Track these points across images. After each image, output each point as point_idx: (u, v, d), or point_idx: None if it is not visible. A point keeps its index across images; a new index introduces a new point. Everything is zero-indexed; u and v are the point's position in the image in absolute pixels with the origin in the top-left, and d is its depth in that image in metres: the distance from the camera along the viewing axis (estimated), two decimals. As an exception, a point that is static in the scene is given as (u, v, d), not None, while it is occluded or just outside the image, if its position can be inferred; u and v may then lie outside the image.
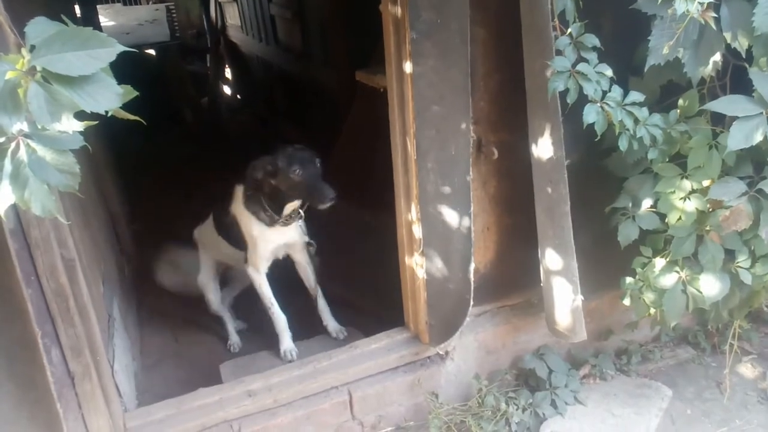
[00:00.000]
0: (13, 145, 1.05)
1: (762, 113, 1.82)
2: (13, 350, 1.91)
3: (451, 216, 2.32)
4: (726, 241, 2.14)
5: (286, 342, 2.76)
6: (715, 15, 1.82)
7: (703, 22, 1.81)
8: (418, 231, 2.39)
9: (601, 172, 2.38)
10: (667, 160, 2.17)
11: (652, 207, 2.25)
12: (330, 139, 4.24)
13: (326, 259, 3.07)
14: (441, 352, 2.61)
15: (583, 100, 1.97)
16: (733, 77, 2.10)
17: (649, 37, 1.93)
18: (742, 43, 1.89)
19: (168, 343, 3.23)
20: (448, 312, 2.47)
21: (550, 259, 2.31)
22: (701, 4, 1.74)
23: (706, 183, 2.10)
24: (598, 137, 2.01)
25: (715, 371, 2.82)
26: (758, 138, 1.81)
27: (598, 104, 1.97)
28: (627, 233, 2.29)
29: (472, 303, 2.41)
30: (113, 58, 1.04)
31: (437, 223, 2.34)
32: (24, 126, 1.02)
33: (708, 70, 1.98)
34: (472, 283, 2.38)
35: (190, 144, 6.70)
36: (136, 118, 1.22)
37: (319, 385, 2.46)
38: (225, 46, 8.01)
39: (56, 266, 1.86)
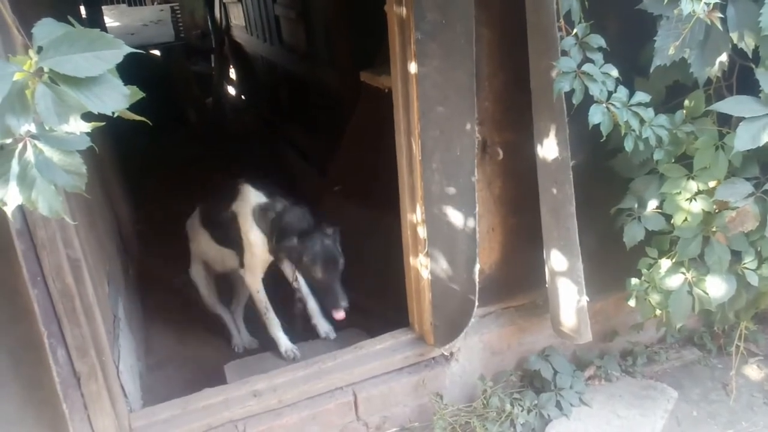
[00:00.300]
0: (20, 146, 1.05)
1: (769, 114, 1.82)
2: (20, 350, 1.92)
3: (455, 217, 2.31)
4: (732, 242, 2.14)
5: (284, 343, 2.77)
6: (722, 15, 1.81)
7: (709, 22, 1.80)
8: (422, 232, 2.38)
9: (606, 172, 2.37)
10: (673, 160, 2.17)
11: (657, 208, 2.25)
12: (334, 140, 4.24)
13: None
14: (446, 353, 2.61)
15: (588, 100, 1.96)
16: (740, 78, 2.09)
17: (654, 38, 1.92)
18: (748, 44, 1.88)
19: (172, 343, 3.24)
20: (453, 313, 2.46)
21: (556, 260, 2.30)
22: (707, 4, 1.73)
23: (712, 184, 2.10)
24: (604, 138, 2.01)
25: (721, 373, 2.81)
26: (765, 139, 1.80)
27: (604, 105, 1.97)
28: (633, 234, 2.28)
29: (476, 304, 2.41)
30: (120, 59, 1.04)
31: (442, 224, 2.33)
32: (32, 127, 1.03)
33: (714, 70, 1.97)
34: (476, 284, 2.38)
35: (195, 144, 6.71)
36: (142, 118, 1.22)
37: (324, 386, 2.46)
38: (229, 47, 8.03)
39: (62, 266, 1.86)
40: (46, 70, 1.01)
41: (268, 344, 2.92)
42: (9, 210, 1.08)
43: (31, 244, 1.80)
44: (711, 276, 2.18)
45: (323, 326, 2.91)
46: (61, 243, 1.85)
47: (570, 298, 2.31)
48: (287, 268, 2.85)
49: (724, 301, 2.20)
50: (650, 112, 2.04)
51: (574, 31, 1.96)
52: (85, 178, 1.12)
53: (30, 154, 1.06)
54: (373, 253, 3.01)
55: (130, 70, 1.12)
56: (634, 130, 2.03)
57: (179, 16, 9.11)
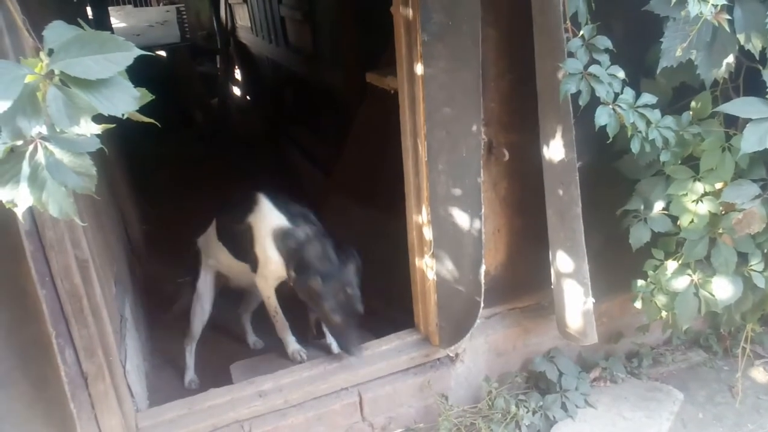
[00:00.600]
0: (31, 147, 1.06)
1: (776, 116, 1.81)
2: (28, 350, 1.93)
3: (461, 218, 2.32)
4: (739, 244, 2.13)
5: (292, 344, 2.73)
6: (729, 17, 1.81)
7: (716, 23, 1.80)
8: (428, 233, 2.39)
9: (612, 174, 2.37)
10: (680, 162, 2.17)
11: (664, 209, 2.24)
12: (339, 141, 4.25)
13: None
14: (451, 354, 2.61)
15: (594, 102, 1.96)
16: (747, 79, 2.09)
17: (661, 39, 1.92)
18: (755, 45, 1.88)
19: (179, 343, 3.24)
20: (459, 314, 2.47)
21: (561, 261, 2.30)
22: (714, 6, 1.73)
23: (718, 185, 2.09)
24: (610, 139, 2.01)
25: (727, 375, 2.80)
26: (772, 141, 1.80)
27: (610, 106, 1.97)
28: (639, 236, 2.28)
29: (482, 305, 2.41)
30: (130, 61, 1.05)
31: (448, 225, 2.34)
32: (42, 129, 1.04)
33: (721, 71, 1.97)
34: (482, 285, 2.38)
35: (201, 145, 6.74)
36: (151, 120, 1.23)
37: (330, 387, 2.46)
38: (235, 48, 8.05)
39: (70, 267, 1.87)
40: (57, 72, 1.02)
41: (273, 344, 2.93)
42: (20, 211, 1.09)
43: (40, 245, 1.81)
44: (717, 278, 2.17)
45: (336, 344, 2.68)
46: (70, 244, 1.86)
47: (576, 299, 2.31)
48: None
49: (730, 303, 2.20)
50: (657, 113, 2.04)
51: (581, 32, 1.96)
52: (95, 180, 1.13)
53: (41, 156, 1.07)
54: (378, 254, 3.01)
55: (136, 70, 1.13)
56: (640, 132, 2.02)
57: (185, 17, 9.15)
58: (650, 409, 2.57)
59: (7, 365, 1.92)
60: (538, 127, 2.22)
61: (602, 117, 1.96)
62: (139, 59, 1.09)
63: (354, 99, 4.21)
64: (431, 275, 2.45)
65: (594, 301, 2.30)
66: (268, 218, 2.56)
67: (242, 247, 2.66)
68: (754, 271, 2.15)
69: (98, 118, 1.06)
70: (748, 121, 1.84)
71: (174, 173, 5.73)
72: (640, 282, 2.35)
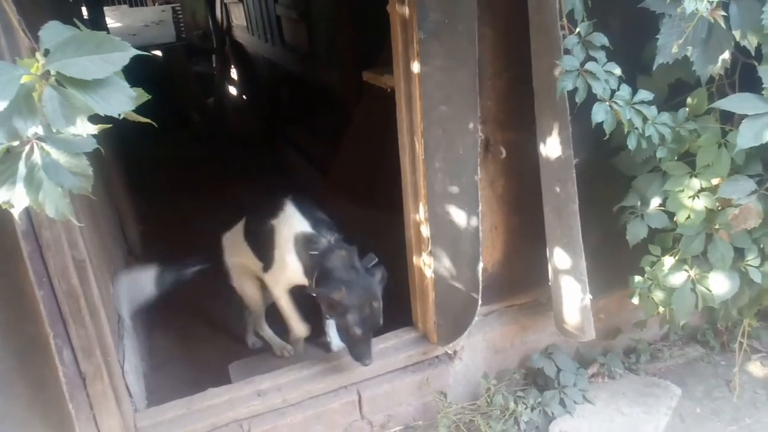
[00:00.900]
0: (27, 148, 1.06)
1: (772, 111, 1.82)
2: (26, 351, 1.92)
3: (459, 216, 2.32)
4: (735, 239, 2.14)
5: (300, 345, 2.74)
6: (724, 13, 1.81)
7: (712, 20, 1.81)
8: (426, 231, 2.39)
9: (609, 171, 2.38)
10: (676, 158, 2.17)
11: (660, 206, 2.25)
12: (336, 139, 4.24)
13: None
14: (449, 352, 2.62)
15: (591, 99, 1.97)
16: (742, 75, 2.10)
17: (657, 36, 1.93)
18: (751, 41, 1.88)
19: (176, 343, 3.25)
20: (457, 311, 2.47)
21: (559, 258, 2.30)
22: (710, 2, 1.73)
23: (715, 181, 2.10)
24: (607, 136, 2.01)
25: (724, 370, 2.82)
26: (768, 136, 1.80)
27: (607, 103, 1.97)
28: (635, 232, 2.28)
29: (480, 302, 2.41)
30: (127, 61, 1.05)
31: (445, 223, 2.34)
32: (38, 129, 1.03)
33: (717, 68, 1.97)
34: (480, 283, 2.38)
35: (197, 145, 6.73)
36: (148, 120, 1.23)
37: (328, 385, 2.46)
38: (231, 47, 8.03)
39: (67, 267, 1.87)
40: (53, 72, 1.02)
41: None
42: (16, 212, 1.09)
43: (37, 246, 1.81)
44: (714, 273, 2.18)
45: (336, 341, 2.70)
46: (66, 244, 1.86)
47: (573, 295, 2.32)
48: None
49: (727, 299, 2.20)
50: (653, 110, 2.05)
51: (577, 29, 1.96)
52: (92, 180, 1.13)
53: (37, 157, 1.06)
54: (375, 253, 3.02)
55: (131, 71, 1.13)
56: (637, 128, 2.03)
57: (180, 16, 9.12)
58: (648, 404, 2.58)
59: (5, 366, 1.92)
60: (535, 124, 2.22)
61: (599, 114, 1.96)
62: (134, 59, 1.09)
63: (351, 98, 4.21)
64: (429, 273, 2.45)
65: (591, 297, 2.30)
66: (291, 223, 2.51)
67: (263, 248, 2.63)
68: (751, 266, 2.16)
69: (94, 119, 1.06)
70: (744, 117, 1.84)
71: (170, 174, 5.72)
72: (637, 278, 2.36)
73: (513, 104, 2.33)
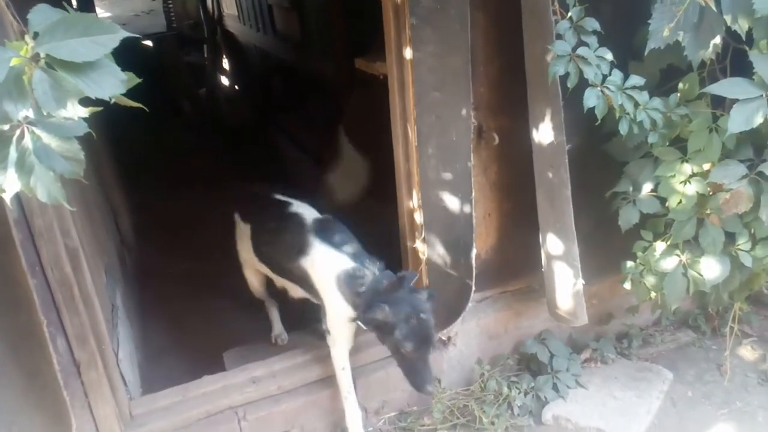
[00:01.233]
0: (18, 132, 1.05)
1: (762, 95, 1.83)
2: (19, 339, 1.92)
3: (452, 202, 2.32)
4: (726, 224, 2.15)
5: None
6: (716, -3, 1.82)
7: (703, 4, 1.81)
8: (419, 217, 2.40)
9: (601, 156, 2.38)
10: (668, 144, 2.18)
11: (652, 191, 2.26)
12: (329, 128, 4.23)
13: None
14: (443, 338, 2.63)
15: (583, 84, 1.97)
16: (733, 60, 2.10)
17: (649, 21, 1.93)
18: (742, 26, 1.88)
19: (170, 333, 3.25)
20: (451, 298, 2.48)
21: (552, 243, 2.32)
22: (702, -14, 1.74)
23: (706, 166, 2.11)
24: (599, 122, 2.02)
25: (715, 354, 2.84)
26: (758, 120, 1.81)
27: (599, 88, 1.98)
28: (628, 217, 2.30)
29: (474, 289, 2.42)
30: (117, 43, 1.04)
31: (439, 210, 2.35)
32: (29, 113, 1.03)
33: (708, 53, 1.98)
34: (474, 269, 2.39)
35: (190, 135, 6.70)
36: (139, 105, 1.22)
37: (322, 372, 2.47)
38: (222, 37, 7.97)
39: (60, 255, 1.86)
40: (42, 55, 1.01)
41: (266, 326, 2.94)
42: (7, 197, 1.09)
43: (29, 234, 1.80)
44: (705, 258, 2.20)
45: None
46: (59, 232, 1.85)
47: (566, 281, 2.33)
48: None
49: (718, 283, 2.22)
50: (645, 95, 2.05)
51: (569, 14, 1.96)
52: (83, 165, 1.12)
53: (28, 141, 1.06)
54: (370, 240, 3.03)
55: (122, 60, 1.12)
56: (628, 114, 2.03)
57: (171, 6, 9.02)
58: (640, 388, 2.61)
59: (-1, 355, 1.92)
60: (528, 110, 2.22)
61: (591, 99, 1.96)
62: (126, 49, 1.09)
63: (343, 86, 4.19)
64: (423, 260, 2.46)
65: (584, 282, 2.32)
66: (328, 264, 2.26)
67: (300, 284, 2.44)
68: (741, 250, 2.18)
69: (85, 102, 1.05)
70: (735, 101, 1.85)
71: (163, 164, 5.69)
72: (630, 263, 2.37)
73: (505, 90, 2.33)
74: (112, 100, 1.12)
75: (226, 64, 7.99)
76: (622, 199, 2.33)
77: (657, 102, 2.08)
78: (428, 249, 2.41)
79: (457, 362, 2.67)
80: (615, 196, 2.36)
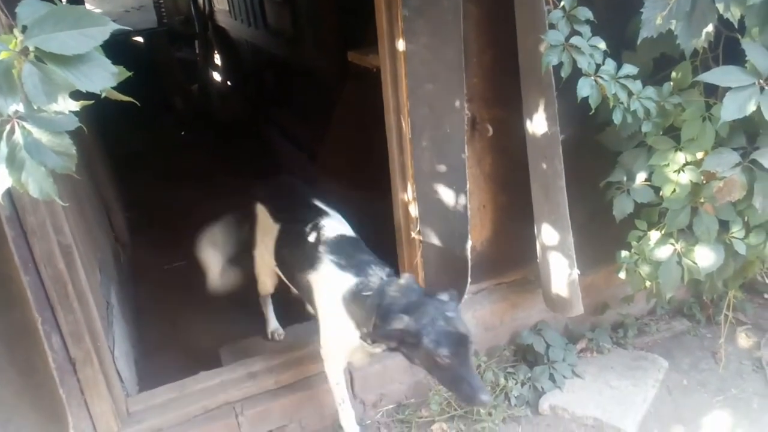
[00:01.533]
0: (8, 127, 1.04)
1: (755, 83, 1.83)
2: (14, 337, 1.91)
3: (447, 194, 2.32)
4: (720, 212, 2.16)
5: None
6: (708, -15, 1.81)
7: (695, -8, 1.81)
8: (414, 210, 2.39)
9: (595, 147, 2.38)
10: (661, 133, 2.18)
11: (646, 180, 2.27)
12: (322, 122, 4.22)
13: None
14: (440, 330, 2.63)
15: (576, 75, 1.97)
16: (726, 48, 2.11)
17: (641, 10, 1.92)
18: (734, 14, 1.88)
19: (167, 330, 3.24)
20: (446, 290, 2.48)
21: (547, 234, 2.32)
22: (694, -26, 1.74)
23: (699, 155, 2.12)
24: (593, 111, 2.02)
25: (710, 342, 2.86)
26: (751, 108, 1.82)
27: (592, 78, 1.97)
28: (622, 207, 2.30)
29: (469, 281, 2.42)
30: (107, 36, 1.03)
31: (433, 202, 2.34)
32: (20, 107, 1.02)
33: (701, 41, 1.98)
34: (469, 261, 2.39)
35: (182, 131, 6.67)
36: (130, 99, 1.21)
37: (320, 366, 2.46)
38: (213, 32, 7.92)
39: (53, 252, 1.85)
40: (31, 48, 1.00)
41: (261, 321, 2.94)
42: (-1, 193, 1.08)
43: (21, 231, 1.79)
44: (699, 246, 2.20)
45: None
46: (52, 229, 1.84)
47: (561, 271, 2.34)
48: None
49: (712, 271, 2.23)
50: (638, 84, 2.05)
51: (562, 3, 1.96)
52: (75, 159, 1.12)
53: (18, 136, 1.05)
54: (364, 234, 3.02)
55: (113, 57, 1.11)
56: (622, 103, 2.03)
57: (162, 1, 8.96)
58: (636, 377, 2.62)
59: (-7, 353, 1.91)
60: (521, 101, 2.22)
61: (584, 88, 1.96)
62: (116, 46, 1.07)
63: (336, 80, 4.18)
64: (418, 252, 2.46)
65: (579, 272, 2.32)
66: (333, 282, 2.11)
67: (304, 295, 2.35)
68: (735, 238, 2.19)
69: (76, 97, 1.04)
70: (727, 90, 1.85)
71: (156, 161, 5.66)
72: (624, 253, 2.38)
73: (499, 81, 2.33)
74: (103, 94, 1.11)
75: (217, 59, 7.95)
76: (616, 188, 2.33)
77: (650, 91, 2.08)
78: (423, 241, 2.41)
79: (454, 354, 2.67)
80: (609, 186, 2.36)
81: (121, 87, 1.12)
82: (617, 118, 2.06)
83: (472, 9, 2.18)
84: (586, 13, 1.95)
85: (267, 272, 2.72)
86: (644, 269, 2.34)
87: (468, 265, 2.40)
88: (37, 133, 1.07)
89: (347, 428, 2.37)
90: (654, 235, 2.29)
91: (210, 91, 7.84)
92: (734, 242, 2.19)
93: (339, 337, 2.17)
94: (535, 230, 2.39)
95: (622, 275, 2.42)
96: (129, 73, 1.14)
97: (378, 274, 2.06)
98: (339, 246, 2.20)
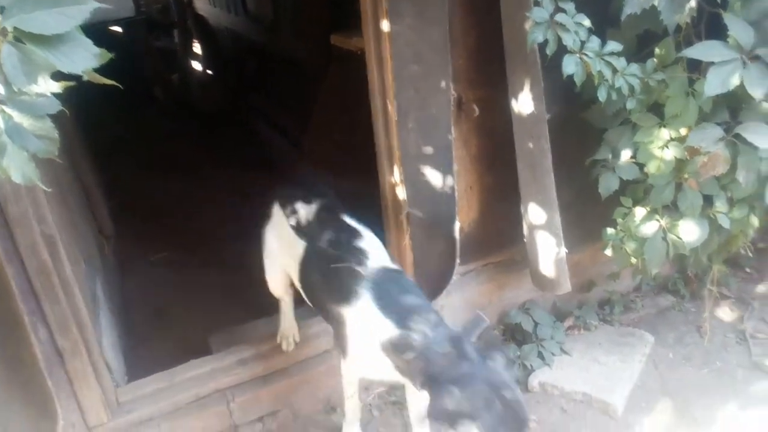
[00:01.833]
0: (-13, 112, 1.02)
1: (738, 57, 1.85)
2: (0, 330, 1.88)
3: (434, 176, 2.32)
4: (704, 187, 2.19)
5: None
6: (690, -40, 1.82)
7: (678, -33, 1.81)
8: (401, 193, 2.39)
9: (581, 125, 2.39)
10: (646, 109, 2.19)
11: (631, 157, 2.28)
12: (306, 108, 4.18)
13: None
14: (429, 312, 2.64)
15: (561, 53, 1.97)
16: (708, 24, 2.12)
17: (625, -14, 1.93)
18: (716, -11, 1.90)
19: (154, 321, 3.21)
20: (435, 272, 2.49)
21: (534, 213, 2.33)
22: (676, -52, 1.74)
23: (683, 131, 2.13)
24: (578, 88, 2.02)
25: (694, 316, 2.90)
26: (734, 82, 1.84)
27: (577, 55, 1.98)
28: (607, 184, 2.32)
29: (458, 262, 2.43)
30: (87, 15, 1.01)
31: (421, 184, 2.34)
32: (0, 90, 0.99)
33: (683, 16, 1.99)
34: (457, 242, 2.40)
35: (164, 121, 6.59)
36: (112, 82, 1.19)
37: (312, 350, 2.47)
38: (192, 20, 7.80)
39: (37, 243, 1.82)
40: (10, 29, 0.97)
41: (254, 308, 2.91)
42: (-20, 180, 1.05)
43: (3, 221, 1.76)
44: (684, 221, 2.23)
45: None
46: (35, 219, 1.81)
47: (549, 250, 2.35)
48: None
49: (697, 246, 2.26)
50: (622, 61, 2.06)
51: (546, -19, 1.95)
52: (57, 143, 1.10)
53: (-1, 120, 1.02)
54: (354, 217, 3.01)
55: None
56: (606, 80, 2.04)
57: (138, -11, 8.80)
58: (623, 353, 2.65)
59: (-22, 347, 1.88)
60: (507, 80, 2.22)
61: (569, 66, 1.96)
62: (94, 36, 1.05)
63: (319, 65, 4.14)
64: (406, 234, 2.46)
65: (567, 251, 2.34)
66: (369, 323, 1.84)
67: (329, 321, 2.10)
68: (719, 212, 2.22)
69: (57, 77, 1.02)
70: (710, 65, 1.87)
71: (138, 150, 5.59)
72: (610, 230, 2.40)
73: (484, 61, 2.32)
74: (85, 76, 1.08)
75: (197, 48, 7.83)
76: (601, 166, 2.35)
77: (634, 68, 2.09)
78: (411, 223, 2.41)
79: (444, 335, 2.69)
80: (595, 164, 2.37)
81: (101, 75, 1.10)
82: (602, 95, 2.06)
83: (455, -12, 2.17)
84: (570, -10, 1.95)
85: (282, 288, 2.48)
86: (630, 246, 2.36)
87: (456, 246, 2.41)
88: (18, 117, 1.05)
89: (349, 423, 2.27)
90: (639, 211, 2.32)
91: (190, 81, 7.74)
92: (718, 216, 2.21)
93: (366, 366, 1.98)
94: (522, 210, 2.40)
95: (609, 252, 2.44)
96: (111, 55, 1.12)
97: (422, 328, 1.73)
98: (380, 282, 1.90)
